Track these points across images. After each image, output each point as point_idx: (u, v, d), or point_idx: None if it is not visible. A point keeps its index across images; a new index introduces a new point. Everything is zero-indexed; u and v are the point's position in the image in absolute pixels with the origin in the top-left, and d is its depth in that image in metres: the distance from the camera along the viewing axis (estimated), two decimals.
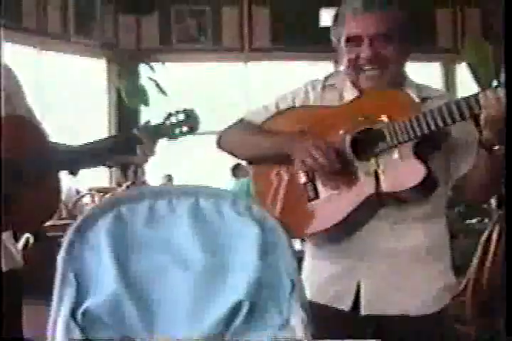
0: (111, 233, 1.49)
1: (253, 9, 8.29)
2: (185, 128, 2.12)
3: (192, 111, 2.14)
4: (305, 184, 2.01)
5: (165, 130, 2.12)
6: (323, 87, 2.12)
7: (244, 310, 1.45)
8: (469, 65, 7.54)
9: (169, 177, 7.76)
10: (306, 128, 2.04)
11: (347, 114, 2.01)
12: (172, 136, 2.13)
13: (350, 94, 2.06)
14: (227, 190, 1.56)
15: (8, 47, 6.31)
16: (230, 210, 1.52)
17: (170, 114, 2.13)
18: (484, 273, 3.49)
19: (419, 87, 2.09)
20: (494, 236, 3.46)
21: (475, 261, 3.54)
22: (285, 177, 2.05)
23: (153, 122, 2.15)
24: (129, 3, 7.97)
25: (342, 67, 2.08)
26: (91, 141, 2.15)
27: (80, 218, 1.53)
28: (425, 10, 8.33)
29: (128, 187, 6.94)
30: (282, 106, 2.13)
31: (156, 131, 2.12)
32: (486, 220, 5.01)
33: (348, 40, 2.00)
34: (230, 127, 2.16)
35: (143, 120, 2.17)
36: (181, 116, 2.12)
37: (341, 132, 1.97)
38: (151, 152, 2.12)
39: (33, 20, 7.14)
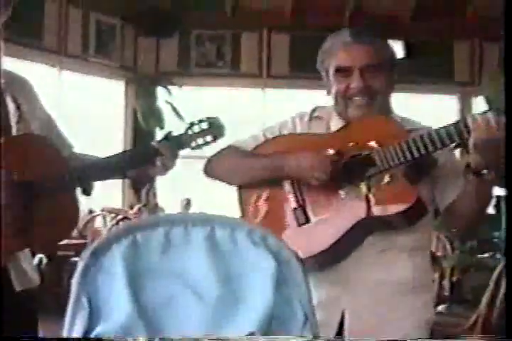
0: (125, 259, 1.49)
1: (273, 35, 8.33)
2: (208, 138, 2.11)
3: (216, 119, 2.12)
4: (295, 209, 2.02)
5: (187, 140, 2.10)
6: (310, 119, 2.16)
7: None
8: (486, 98, 7.55)
9: (188, 201, 7.73)
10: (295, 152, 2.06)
11: (336, 140, 2.04)
12: (195, 146, 2.12)
13: (336, 124, 2.11)
14: (244, 220, 1.56)
15: (28, 66, 6.37)
16: (245, 240, 1.51)
17: (192, 123, 2.11)
18: (494, 310, 3.47)
19: (403, 120, 2.14)
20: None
21: (486, 297, 3.52)
22: (265, 205, 2.06)
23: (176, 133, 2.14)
24: (150, 25, 8.02)
25: (330, 97, 2.12)
26: (109, 155, 2.14)
27: (95, 243, 1.53)
28: (443, 43, 8.37)
29: (140, 209, 6.96)
30: (269, 135, 2.16)
31: (177, 142, 2.10)
32: (498, 255, 4.98)
33: (338, 70, 2.05)
34: (216, 154, 2.16)
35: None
36: (204, 125, 2.10)
37: (331, 151, 2.00)
38: (171, 164, 2.10)
39: (54, 40, 7.20)
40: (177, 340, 1.44)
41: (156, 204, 7.68)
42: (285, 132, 2.15)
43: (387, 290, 2.01)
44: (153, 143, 2.11)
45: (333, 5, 7.93)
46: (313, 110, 2.18)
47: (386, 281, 2.01)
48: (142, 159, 2.09)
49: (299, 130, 2.15)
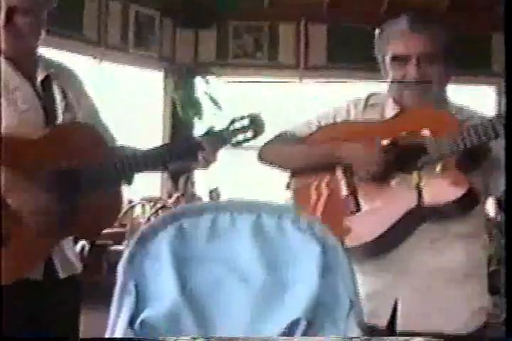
0: (172, 245, 1.50)
1: (310, 26, 8.30)
2: (249, 134, 2.11)
3: (257, 116, 2.12)
4: (346, 197, 2.02)
5: (228, 136, 2.11)
6: (365, 106, 2.16)
7: (302, 327, 1.45)
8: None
9: (216, 191, 7.73)
10: (348, 140, 2.07)
11: (389, 129, 2.04)
12: (236, 143, 2.13)
13: (391, 111, 2.10)
14: (290, 206, 1.57)
15: (69, 57, 6.42)
16: (291, 227, 1.52)
17: (234, 120, 2.12)
18: None
19: (459, 108, 2.12)
20: None
21: None
22: (326, 190, 2.06)
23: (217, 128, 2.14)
24: (188, 17, 8.04)
25: (387, 87, 2.11)
26: (152, 147, 2.16)
27: (141, 229, 1.54)
28: (481, 33, 8.27)
29: (178, 198, 6.99)
30: (324, 122, 2.16)
31: (219, 137, 2.11)
32: None
33: (395, 58, 2.04)
34: (271, 140, 2.18)
35: (196, 132, 2.18)
36: (246, 122, 2.11)
37: (384, 142, 2.00)
38: (212, 158, 2.11)
39: (94, 31, 7.26)
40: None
41: (194, 194, 7.71)
42: (339, 119, 2.15)
43: (440, 279, 2.00)
44: (196, 138, 2.12)
45: None
46: (368, 97, 2.17)
47: (440, 269, 2.00)
48: (184, 153, 2.11)
49: (352, 116, 2.15)
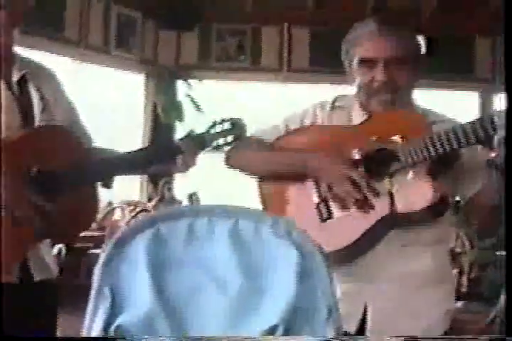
0: (149, 250, 1.49)
1: (293, 30, 8.32)
2: (230, 138, 2.10)
3: (238, 119, 2.11)
4: (318, 204, 2.01)
5: (209, 139, 2.10)
6: (332, 108, 2.14)
7: (279, 334, 1.44)
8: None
9: (195, 195, 7.71)
10: (317, 147, 2.05)
11: (359, 134, 2.02)
12: (216, 146, 2.11)
13: (358, 115, 2.08)
14: (268, 212, 1.56)
15: (49, 58, 6.39)
16: (269, 233, 1.51)
17: (214, 123, 2.10)
18: None
19: (425, 111, 2.11)
20: None
21: (503, 294, 3.51)
22: (296, 196, 2.05)
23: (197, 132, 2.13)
24: (170, 19, 8.02)
25: (353, 89, 2.09)
26: (131, 150, 2.14)
27: (118, 233, 1.53)
28: (465, 37, 8.33)
29: (157, 202, 6.97)
30: (291, 125, 2.13)
31: (199, 141, 2.09)
32: None
33: (362, 61, 2.02)
34: (238, 145, 2.15)
35: (177, 136, 2.17)
36: (226, 125, 2.09)
37: (355, 151, 1.97)
38: (191, 162, 2.09)
39: (75, 32, 7.22)
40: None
41: (173, 198, 7.69)
42: (307, 122, 2.13)
43: (409, 283, 2.01)
44: (175, 141, 2.10)
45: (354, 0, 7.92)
46: (335, 99, 2.15)
47: (408, 274, 2.00)
48: (163, 156, 2.09)
49: (320, 120, 2.12)
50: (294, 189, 2.07)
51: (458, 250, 4.91)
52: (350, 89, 2.13)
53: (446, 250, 2.14)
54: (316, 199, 2.02)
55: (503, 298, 3.53)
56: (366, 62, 2.01)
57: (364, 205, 1.95)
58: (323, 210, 2.01)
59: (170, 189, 7.62)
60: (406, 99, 2.07)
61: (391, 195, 1.92)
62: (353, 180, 1.92)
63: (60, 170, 1.99)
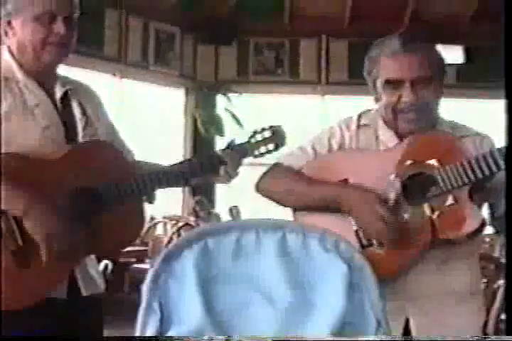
0: (197, 264, 1.50)
1: (331, 42, 8.33)
2: (271, 146, 2.11)
3: (279, 127, 2.11)
4: (357, 231, 1.98)
5: (250, 148, 2.10)
6: (358, 127, 2.11)
7: None
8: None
9: (236, 209, 7.73)
10: (351, 175, 2.02)
11: (393, 159, 1.99)
12: (257, 155, 2.12)
13: (385, 134, 2.06)
14: (315, 226, 1.56)
15: (89, 75, 6.47)
16: (317, 246, 1.51)
17: (255, 132, 2.11)
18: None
19: (452, 126, 2.09)
20: None
21: (500, 294, 3.48)
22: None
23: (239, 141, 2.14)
24: (209, 33, 8.09)
25: (378, 107, 2.07)
26: (174, 163, 2.16)
27: (166, 249, 1.54)
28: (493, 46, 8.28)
29: (198, 217, 6.99)
30: (319, 147, 2.11)
31: (240, 150, 2.10)
32: None
33: (388, 82, 1.99)
34: (268, 172, 2.13)
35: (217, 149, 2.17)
36: (267, 133, 2.10)
37: (391, 177, 1.95)
38: (234, 172, 2.10)
39: (115, 48, 7.32)
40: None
41: (212, 212, 7.74)
42: (334, 143, 2.09)
43: (448, 298, 2.00)
44: (217, 152, 2.11)
45: (390, 11, 7.90)
46: (359, 117, 2.13)
47: (447, 289, 2.00)
48: (206, 168, 2.10)
49: (347, 139, 2.09)
50: (330, 215, 2.02)
51: (503, 260, 4.85)
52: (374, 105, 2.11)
53: (477, 262, 2.12)
54: (354, 226, 1.98)
55: (498, 298, 3.50)
56: (392, 83, 1.98)
57: (405, 231, 1.92)
58: (363, 237, 1.98)
59: (213, 203, 7.65)
60: (433, 115, 2.05)
61: (432, 221, 1.90)
62: (385, 219, 1.90)
63: (105, 185, 2.01)
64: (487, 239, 5.35)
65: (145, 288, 1.49)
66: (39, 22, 2.01)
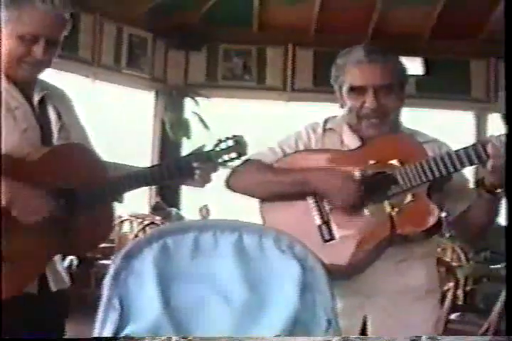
0: (156, 262, 1.53)
1: (297, 51, 8.41)
2: (233, 154, 2.17)
3: (241, 137, 2.17)
4: (320, 225, 2.06)
5: (215, 156, 2.17)
6: (324, 131, 2.19)
7: None
8: (503, 115, 7.60)
9: (206, 209, 7.77)
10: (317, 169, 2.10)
11: (357, 158, 2.08)
12: (221, 162, 2.18)
13: (350, 138, 2.15)
14: (271, 227, 1.61)
15: (63, 76, 6.47)
16: (272, 247, 1.55)
17: (220, 141, 2.17)
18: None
19: (413, 132, 2.19)
20: None
21: (497, 306, 3.55)
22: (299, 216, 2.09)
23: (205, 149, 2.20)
24: (180, 39, 8.13)
25: (343, 113, 2.16)
26: (147, 167, 2.21)
27: (126, 247, 1.57)
28: (461, 61, 8.47)
29: (163, 217, 7.02)
30: (286, 148, 2.19)
31: (207, 157, 2.16)
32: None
33: (352, 89, 2.08)
34: (237, 167, 2.20)
35: (184, 152, 2.22)
36: (230, 142, 2.16)
37: (356, 175, 2.03)
38: (208, 178, 2.17)
39: (89, 51, 7.35)
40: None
41: (179, 211, 7.78)
42: (301, 144, 2.18)
43: (405, 296, 2.07)
44: (189, 158, 2.17)
45: (354, 24, 8.01)
46: (325, 121, 2.21)
47: (404, 288, 2.07)
48: (177, 173, 2.16)
49: (313, 142, 2.18)
50: (295, 211, 2.11)
51: (454, 264, 4.96)
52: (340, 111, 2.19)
53: (434, 262, 2.22)
54: (318, 221, 2.06)
55: (496, 309, 3.57)
56: (356, 89, 2.08)
57: (364, 227, 2.00)
58: (325, 231, 2.05)
59: (179, 201, 7.64)
60: (394, 122, 2.14)
61: (391, 218, 1.98)
62: (355, 194, 1.99)
63: (79, 186, 2.06)
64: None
65: (106, 284, 1.52)
66: (21, 40, 2.04)
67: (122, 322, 1.51)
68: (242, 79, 8.39)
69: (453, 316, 4.06)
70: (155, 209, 7.65)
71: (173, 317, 1.50)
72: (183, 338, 1.48)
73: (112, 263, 1.56)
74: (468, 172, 2.12)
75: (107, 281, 1.52)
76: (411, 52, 7.57)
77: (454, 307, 3.80)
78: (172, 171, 2.14)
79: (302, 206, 2.09)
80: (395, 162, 2.01)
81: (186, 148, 7.83)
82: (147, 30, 7.98)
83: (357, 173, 2.02)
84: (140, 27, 7.91)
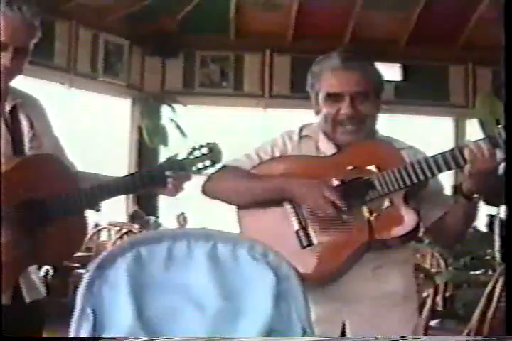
0: (129, 272, 1.53)
1: (275, 57, 8.44)
2: (207, 162, 2.16)
3: (215, 145, 2.17)
4: (297, 231, 2.06)
5: (189, 164, 2.16)
6: (300, 138, 2.19)
7: None
8: (480, 120, 7.69)
9: (183, 216, 7.76)
10: (294, 176, 2.09)
11: (334, 164, 2.08)
12: (195, 170, 2.18)
13: (325, 145, 2.15)
14: (245, 236, 1.60)
15: (39, 84, 6.44)
16: (246, 255, 1.55)
17: (194, 148, 2.17)
18: (485, 325, 3.52)
19: (389, 140, 2.19)
20: (497, 288, 3.51)
21: (477, 312, 3.57)
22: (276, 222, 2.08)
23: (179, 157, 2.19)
24: (156, 46, 8.13)
25: (319, 120, 2.16)
26: (117, 176, 2.20)
27: (100, 256, 1.56)
28: (439, 66, 8.53)
29: (141, 225, 7.01)
30: (263, 155, 2.19)
31: (180, 165, 2.16)
32: (490, 272, 5.04)
33: (328, 96, 2.09)
34: (214, 173, 2.19)
35: (161, 159, 2.22)
36: (204, 150, 2.16)
37: (333, 179, 2.03)
38: (180, 187, 2.16)
39: (64, 58, 7.32)
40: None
41: (157, 220, 7.77)
42: (277, 151, 2.18)
43: (383, 302, 2.07)
44: (162, 166, 2.16)
45: (333, 28, 8.05)
46: (301, 129, 2.21)
47: (382, 293, 2.08)
48: (149, 182, 2.15)
49: (289, 149, 2.18)
50: (272, 217, 2.10)
51: (433, 270, 4.98)
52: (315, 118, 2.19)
53: (412, 268, 2.22)
54: (295, 227, 2.06)
55: (475, 315, 3.59)
56: (332, 96, 2.08)
57: (343, 232, 2.01)
58: (303, 237, 2.05)
59: (157, 209, 7.63)
60: (370, 129, 2.15)
61: (370, 223, 1.98)
62: (334, 203, 1.98)
63: (50, 197, 2.04)
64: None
65: (79, 293, 1.51)
66: None
67: (96, 332, 1.50)
68: (219, 86, 8.40)
69: (432, 323, 4.07)
70: (133, 217, 7.65)
71: (147, 327, 1.50)
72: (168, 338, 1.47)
73: (85, 273, 1.55)
74: (446, 178, 2.13)
75: (80, 291, 1.52)
76: (389, 58, 7.63)
77: (433, 314, 3.82)
78: (145, 180, 2.14)
79: (279, 212, 2.09)
80: (372, 167, 2.02)
81: (163, 155, 7.83)
82: (123, 37, 7.98)
83: (335, 181, 2.03)
84: (116, 34, 7.91)
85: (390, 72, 7.74)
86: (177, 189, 2.16)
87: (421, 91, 8.30)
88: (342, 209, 1.98)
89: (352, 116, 2.06)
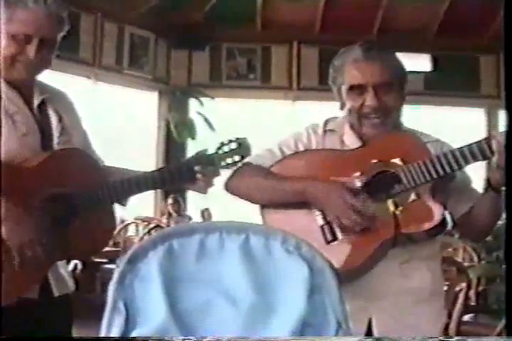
0: (161, 266, 1.52)
1: (302, 48, 8.39)
2: (236, 157, 2.15)
3: (244, 140, 2.16)
4: (322, 226, 2.03)
5: (218, 159, 2.15)
6: (324, 132, 2.17)
7: None
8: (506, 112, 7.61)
9: (208, 212, 7.77)
10: (318, 173, 2.08)
11: (359, 158, 2.06)
12: (224, 165, 2.16)
13: (351, 138, 2.12)
14: (278, 228, 1.58)
15: (64, 78, 6.48)
16: (279, 248, 1.53)
17: (222, 143, 2.16)
18: None
19: (413, 132, 2.16)
20: None
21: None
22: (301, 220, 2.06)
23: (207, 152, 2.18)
24: (182, 38, 8.13)
25: (344, 114, 2.14)
26: (145, 171, 2.19)
27: (131, 250, 1.55)
28: (469, 56, 8.43)
29: (171, 217, 7.03)
30: (286, 150, 2.17)
31: (209, 161, 2.15)
32: None
33: (352, 88, 2.06)
34: (237, 170, 2.18)
35: (189, 153, 2.21)
36: (233, 145, 2.14)
37: (357, 174, 2.01)
38: (210, 183, 2.15)
39: (89, 52, 7.34)
40: None
41: (184, 214, 7.78)
42: (301, 146, 2.16)
43: (410, 298, 2.05)
44: (191, 162, 2.15)
45: (361, 19, 8.00)
46: (326, 122, 2.20)
47: (409, 289, 2.05)
48: (178, 178, 2.14)
49: (314, 143, 2.16)
50: (296, 212, 2.09)
51: (466, 264, 4.93)
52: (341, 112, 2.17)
53: (439, 263, 2.18)
54: (320, 222, 2.04)
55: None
56: (355, 89, 2.06)
57: (369, 229, 1.98)
58: (328, 232, 2.03)
59: (185, 204, 7.65)
60: (395, 121, 2.12)
61: (395, 217, 1.95)
62: (356, 209, 1.96)
63: (79, 192, 2.04)
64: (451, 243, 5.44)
65: (111, 288, 1.50)
66: (14, 40, 2.02)
67: (128, 326, 1.50)
68: (246, 79, 8.39)
69: (466, 317, 4.02)
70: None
71: (180, 320, 1.49)
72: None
73: (116, 267, 1.55)
74: (475, 172, 2.09)
75: (112, 285, 1.51)
76: (418, 49, 7.56)
77: (466, 308, 3.77)
78: (173, 176, 2.13)
79: (304, 206, 2.07)
80: (397, 161, 1.99)
81: (191, 148, 7.84)
82: (149, 30, 7.99)
83: (358, 183, 1.99)
84: (142, 26, 7.92)
85: (419, 62, 7.68)
86: (207, 185, 2.15)
87: (451, 82, 8.21)
88: (363, 213, 1.95)
89: (377, 107, 2.04)
